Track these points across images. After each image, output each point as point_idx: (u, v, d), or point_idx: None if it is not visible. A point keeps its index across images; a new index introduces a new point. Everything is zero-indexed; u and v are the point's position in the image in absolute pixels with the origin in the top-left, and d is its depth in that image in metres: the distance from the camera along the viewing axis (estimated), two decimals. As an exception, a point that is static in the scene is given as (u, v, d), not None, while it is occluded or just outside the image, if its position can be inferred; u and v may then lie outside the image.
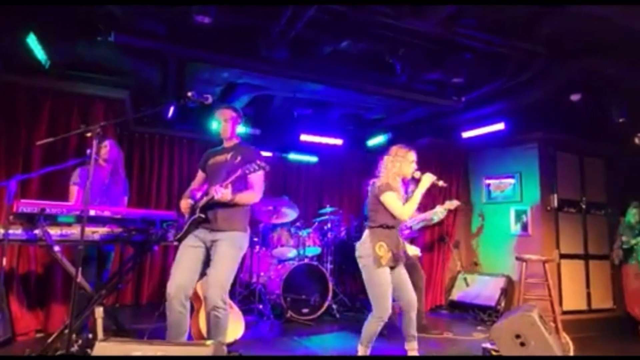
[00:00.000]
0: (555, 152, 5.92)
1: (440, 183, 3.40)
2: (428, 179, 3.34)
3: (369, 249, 3.24)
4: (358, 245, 3.40)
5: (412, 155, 3.41)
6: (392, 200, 3.25)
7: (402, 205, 3.27)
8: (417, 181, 3.40)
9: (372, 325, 3.23)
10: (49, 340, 3.29)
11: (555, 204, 5.81)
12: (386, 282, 3.21)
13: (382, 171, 3.40)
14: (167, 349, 2.08)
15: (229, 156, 3.17)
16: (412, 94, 5.16)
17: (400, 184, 3.40)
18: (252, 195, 3.11)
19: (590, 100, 5.21)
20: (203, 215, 3.01)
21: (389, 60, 4.53)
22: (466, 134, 6.13)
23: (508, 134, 5.79)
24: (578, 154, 6.09)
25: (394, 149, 3.46)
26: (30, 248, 4.17)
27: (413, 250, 3.27)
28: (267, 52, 4.30)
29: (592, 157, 6.18)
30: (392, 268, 3.29)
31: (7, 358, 3.23)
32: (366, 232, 3.36)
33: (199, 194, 3.13)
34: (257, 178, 3.12)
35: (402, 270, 3.36)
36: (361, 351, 3.30)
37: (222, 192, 2.85)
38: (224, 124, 3.27)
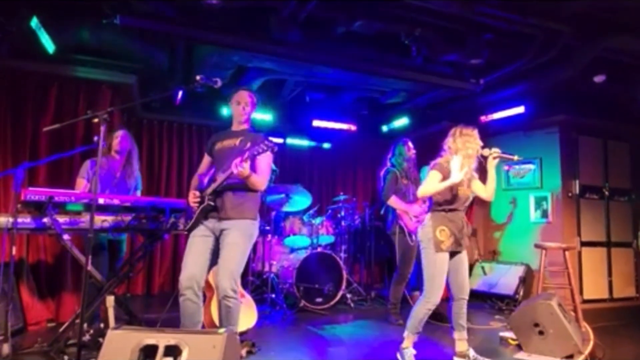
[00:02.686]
0: (578, 136, 5.76)
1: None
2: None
3: (429, 233, 3.18)
4: (419, 228, 3.34)
5: (476, 133, 3.29)
6: (428, 177, 3.19)
7: (429, 186, 3.15)
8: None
9: (422, 310, 3.18)
10: (61, 329, 3.29)
11: (577, 190, 5.68)
12: (444, 268, 3.16)
13: (444, 152, 3.31)
14: (180, 336, 2.04)
15: (237, 141, 3.08)
16: (429, 76, 5.02)
17: (473, 164, 3.26)
18: (261, 180, 3.02)
19: (615, 82, 5.04)
20: (212, 203, 2.93)
21: (404, 41, 4.39)
22: (485, 118, 5.97)
23: (528, 117, 5.62)
24: (601, 138, 5.91)
25: (455, 129, 3.33)
26: (39, 237, 4.15)
27: None
28: (278, 34, 4.18)
29: (616, 141, 6.00)
30: (454, 254, 3.23)
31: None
32: (428, 216, 3.30)
33: (206, 180, 3.05)
34: (265, 163, 3.03)
35: (462, 257, 3.29)
36: (408, 339, 3.23)
37: (241, 165, 2.75)
38: (243, 108, 3.15)
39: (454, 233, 3.18)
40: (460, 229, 3.22)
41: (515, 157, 3.22)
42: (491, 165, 3.23)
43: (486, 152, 3.23)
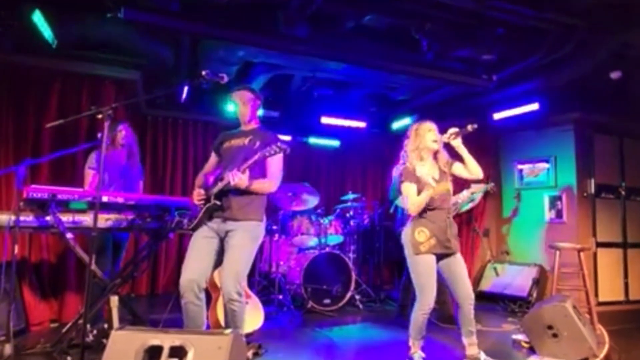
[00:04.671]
0: (593, 134, 5.61)
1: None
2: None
3: (409, 235, 3.12)
4: (402, 231, 3.28)
5: (428, 125, 3.23)
6: (406, 191, 3.14)
7: (415, 198, 3.09)
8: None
9: (418, 315, 3.10)
10: (64, 330, 3.26)
11: (592, 189, 5.53)
12: (426, 271, 3.06)
13: (405, 157, 3.27)
14: (186, 337, 2.00)
15: (246, 141, 3.02)
16: (440, 72, 4.91)
17: (431, 158, 3.22)
18: (269, 184, 2.97)
19: (632, 78, 4.88)
20: (219, 202, 2.88)
21: (415, 36, 4.29)
22: (497, 116, 5.83)
23: (542, 115, 5.48)
24: (617, 136, 5.76)
25: (411, 128, 3.31)
26: (42, 236, 4.10)
27: None
28: (285, 29, 4.10)
29: (632, 139, 5.84)
30: (442, 257, 3.13)
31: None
32: (410, 218, 3.22)
33: (211, 179, 3.00)
34: (275, 165, 2.98)
35: (455, 260, 3.16)
36: (414, 346, 3.17)
37: (239, 177, 2.72)
38: (242, 107, 3.12)
39: (435, 234, 3.06)
40: (443, 230, 3.09)
41: (469, 127, 3.12)
42: (456, 145, 3.15)
43: (444, 137, 3.18)
